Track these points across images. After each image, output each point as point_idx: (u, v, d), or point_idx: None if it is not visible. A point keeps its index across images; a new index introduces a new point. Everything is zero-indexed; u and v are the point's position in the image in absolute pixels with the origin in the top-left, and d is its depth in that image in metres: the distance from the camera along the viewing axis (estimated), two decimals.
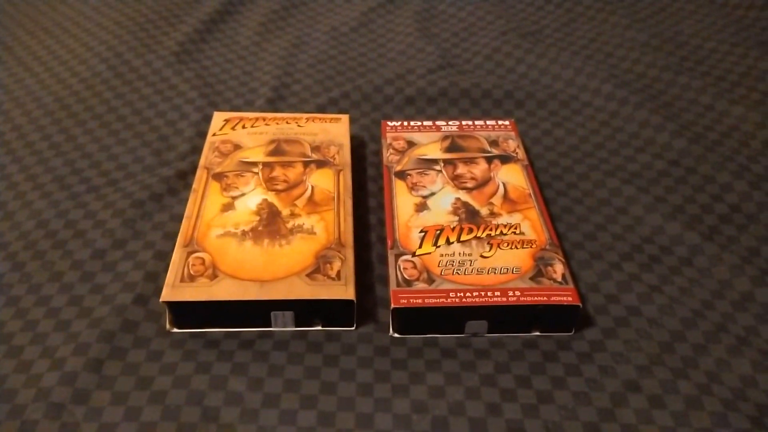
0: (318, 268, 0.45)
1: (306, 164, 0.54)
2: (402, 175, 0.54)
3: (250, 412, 0.39)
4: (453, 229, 0.49)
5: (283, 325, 0.44)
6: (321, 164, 0.54)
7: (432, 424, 0.39)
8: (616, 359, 0.43)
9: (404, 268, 0.46)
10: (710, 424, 0.39)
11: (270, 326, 0.44)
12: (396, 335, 0.45)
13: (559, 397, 0.41)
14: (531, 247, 0.48)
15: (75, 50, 0.73)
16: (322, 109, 0.66)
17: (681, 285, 0.49)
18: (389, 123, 0.61)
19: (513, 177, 0.54)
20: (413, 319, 0.44)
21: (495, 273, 0.45)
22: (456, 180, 0.54)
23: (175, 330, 0.44)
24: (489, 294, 0.44)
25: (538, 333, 0.45)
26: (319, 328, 0.45)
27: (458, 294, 0.44)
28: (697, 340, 0.44)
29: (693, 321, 0.46)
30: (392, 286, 0.44)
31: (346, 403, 0.40)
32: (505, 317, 0.44)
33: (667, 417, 0.40)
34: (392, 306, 0.43)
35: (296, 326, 0.45)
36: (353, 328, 0.45)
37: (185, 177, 0.57)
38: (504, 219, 0.50)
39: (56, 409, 0.38)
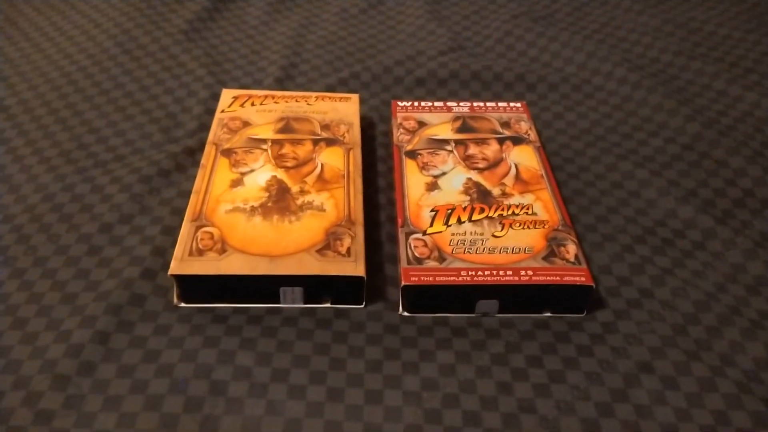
0: (328, 245, 0.44)
1: (315, 142, 0.54)
2: (413, 154, 0.54)
3: (258, 386, 0.38)
4: (464, 209, 0.48)
5: (292, 302, 0.44)
6: (331, 142, 0.54)
7: (442, 402, 0.38)
8: (629, 341, 0.43)
9: (415, 246, 0.45)
10: (724, 406, 0.39)
11: (279, 302, 0.44)
12: (406, 314, 0.44)
13: (571, 377, 0.40)
14: (543, 227, 0.47)
15: (83, 26, 0.72)
16: (331, 89, 0.65)
17: (694, 268, 0.48)
18: (399, 103, 0.60)
19: (525, 158, 0.53)
20: (423, 298, 0.44)
21: (507, 252, 0.45)
22: (467, 160, 0.53)
23: (183, 305, 0.43)
24: (501, 273, 0.43)
25: (549, 314, 0.45)
26: (329, 305, 0.44)
27: (469, 272, 0.43)
28: (710, 323, 0.44)
29: (706, 304, 0.45)
30: (403, 263, 0.44)
31: (355, 380, 0.39)
32: (517, 297, 0.44)
33: (681, 398, 0.39)
34: (402, 283, 0.43)
35: (305, 303, 0.44)
36: (362, 306, 0.44)
37: (193, 154, 0.56)
38: (516, 199, 0.49)
39: (62, 381, 0.38)
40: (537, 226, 0.47)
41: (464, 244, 0.45)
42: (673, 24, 0.77)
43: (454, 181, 0.51)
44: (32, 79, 0.64)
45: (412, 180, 0.51)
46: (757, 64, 0.70)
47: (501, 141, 0.55)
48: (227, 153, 0.52)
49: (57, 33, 0.72)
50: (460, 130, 0.56)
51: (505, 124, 0.57)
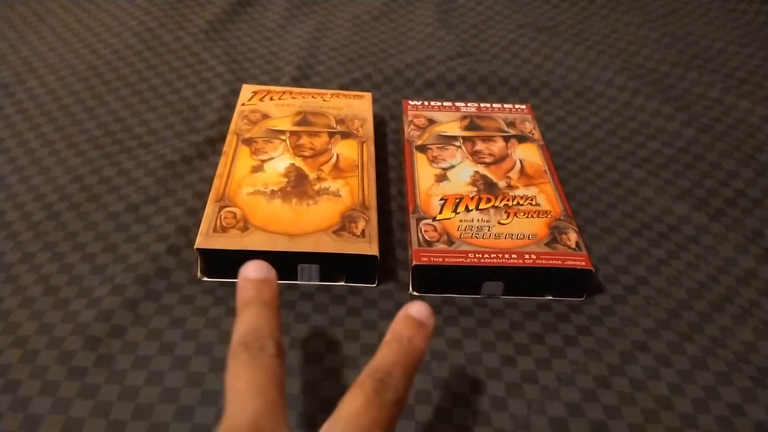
0: (344, 226, 0.47)
1: (331, 134, 0.56)
2: (423, 148, 0.57)
3: None
4: (472, 198, 0.51)
5: (308, 279, 0.46)
6: (345, 135, 0.57)
7: (450, 371, 0.41)
8: (625, 322, 0.45)
9: (425, 231, 0.48)
10: (714, 383, 0.41)
11: (296, 279, 0.46)
12: (415, 293, 0.47)
13: (570, 353, 0.43)
14: (546, 216, 0.50)
15: (107, 23, 0.75)
16: (344, 89, 0.68)
17: (688, 260, 0.51)
18: (410, 102, 0.63)
19: (529, 155, 0.56)
20: (432, 278, 0.46)
21: (512, 238, 0.48)
22: (475, 155, 0.56)
23: (206, 279, 0.46)
24: (506, 256, 0.46)
25: (550, 297, 0.47)
26: (343, 283, 0.47)
27: (476, 255, 0.46)
28: (702, 309, 0.47)
29: (699, 292, 0.48)
30: (414, 245, 0.47)
31: (369, 349, 0.42)
32: (520, 280, 0.46)
33: (674, 375, 0.42)
34: (413, 263, 0.45)
35: (321, 280, 0.47)
36: (375, 285, 0.47)
37: (214, 144, 0.59)
38: (520, 191, 0.52)
39: (93, 342, 0.40)
40: (540, 216, 0.50)
41: (472, 230, 0.48)
42: (671, 37, 0.81)
43: (462, 173, 0.54)
44: (60, 71, 0.67)
45: (423, 171, 0.54)
46: (751, 75, 0.73)
47: (506, 139, 0.58)
48: (248, 142, 0.55)
49: (83, 29, 0.75)
50: (467, 128, 0.59)
51: (511, 124, 0.60)
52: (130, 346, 0.40)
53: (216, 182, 0.50)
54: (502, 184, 0.53)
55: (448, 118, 0.61)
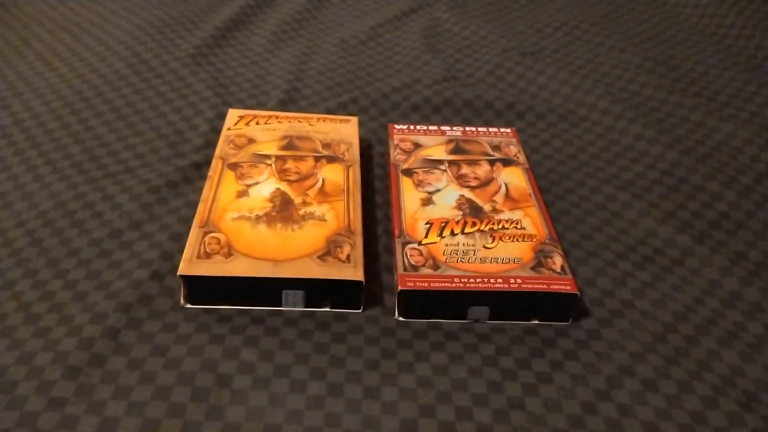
0: (329, 252, 0.47)
1: (317, 159, 0.56)
2: (409, 172, 0.57)
3: (262, 379, 0.40)
4: (457, 222, 0.51)
5: (293, 305, 0.46)
6: (331, 159, 0.57)
7: (436, 398, 0.40)
8: (612, 346, 0.45)
9: (411, 255, 0.48)
10: (701, 407, 0.41)
11: (280, 305, 0.46)
12: (401, 319, 0.47)
13: (557, 378, 0.42)
14: (531, 240, 0.50)
15: (94, 48, 0.75)
16: (331, 113, 0.69)
17: (673, 282, 0.51)
18: (396, 126, 0.63)
19: (514, 178, 0.57)
20: (418, 303, 0.46)
21: (497, 262, 0.48)
22: (460, 179, 0.56)
23: (189, 306, 0.46)
24: (492, 280, 0.46)
25: (536, 321, 0.47)
26: (328, 309, 0.47)
27: (462, 279, 0.46)
28: (688, 332, 0.47)
29: (684, 315, 0.48)
30: (399, 270, 0.46)
31: (353, 377, 0.41)
32: (506, 304, 0.46)
33: (660, 399, 0.41)
34: (399, 288, 0.45)
35: (306, 306, 0.46)
36: (360, 311, 0.47)
37: (200, 168, 0.59)
38: (506, 215, 0.52)
39: (73, 372, 0.39)
40: (525, 240, 0.50)
41: (457, 254, 0.48)
42: (653, 61, 0.82)
43: (448, 197, 0.54)
44: (45, 95, 0.67)
45: (408, 195, 0.54)
46: (732, 98, 0.74)
47: (492, 162, 0.59)
48: (233, 166, 0.55)
49: (69, 53, 0.75)
50: (453, 152, 0.60)
51: (496, 148, 0.61)
52: (110, 375, 0.40)
53: (200, 207, 0.50)
54: (487, 207, 0.53)
55: (434, 142, 0.61)
